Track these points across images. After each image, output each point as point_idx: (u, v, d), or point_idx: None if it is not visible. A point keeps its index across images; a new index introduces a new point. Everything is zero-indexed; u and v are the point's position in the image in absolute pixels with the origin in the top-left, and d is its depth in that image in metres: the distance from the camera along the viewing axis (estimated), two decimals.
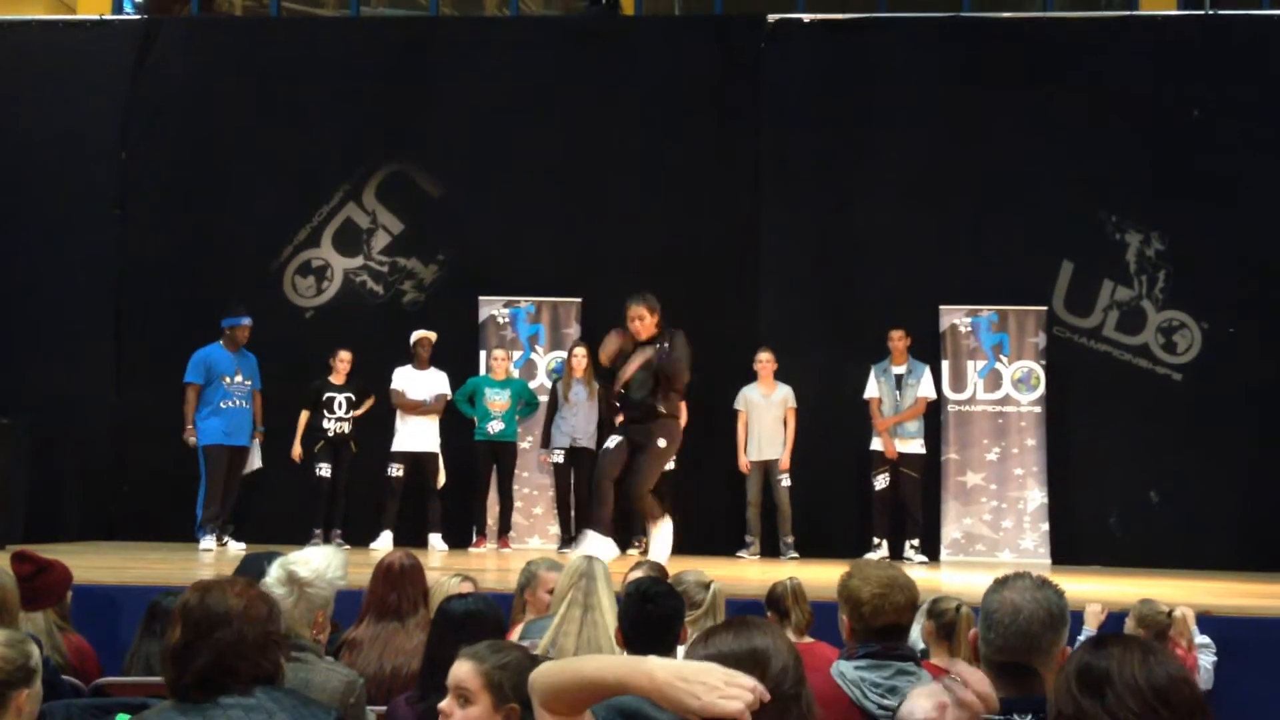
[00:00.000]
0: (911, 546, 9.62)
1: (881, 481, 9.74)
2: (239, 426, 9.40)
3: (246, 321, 9.53)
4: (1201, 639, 5.59)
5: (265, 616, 2.79)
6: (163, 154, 10.85)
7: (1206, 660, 5.57)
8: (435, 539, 9.79)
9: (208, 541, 9.14)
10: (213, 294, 10.37)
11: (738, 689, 1.75)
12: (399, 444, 9.90)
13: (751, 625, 2.02)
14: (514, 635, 4.63)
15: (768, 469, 9.82)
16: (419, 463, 9.89)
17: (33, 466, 9.92)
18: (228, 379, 9.36)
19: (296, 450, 9.83)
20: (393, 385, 9.93)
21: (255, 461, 9.82)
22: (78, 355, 10.58)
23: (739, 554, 9.68)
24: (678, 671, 1.80)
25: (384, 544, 9.43)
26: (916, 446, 9.78)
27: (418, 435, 9.89)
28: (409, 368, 9.99)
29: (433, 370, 10.01)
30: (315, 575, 3.63)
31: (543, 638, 4.12)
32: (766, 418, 9.85)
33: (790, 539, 9.67)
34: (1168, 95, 10.25)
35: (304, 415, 9.87)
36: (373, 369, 10.03)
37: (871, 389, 9.86)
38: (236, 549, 9.02)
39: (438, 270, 10.71)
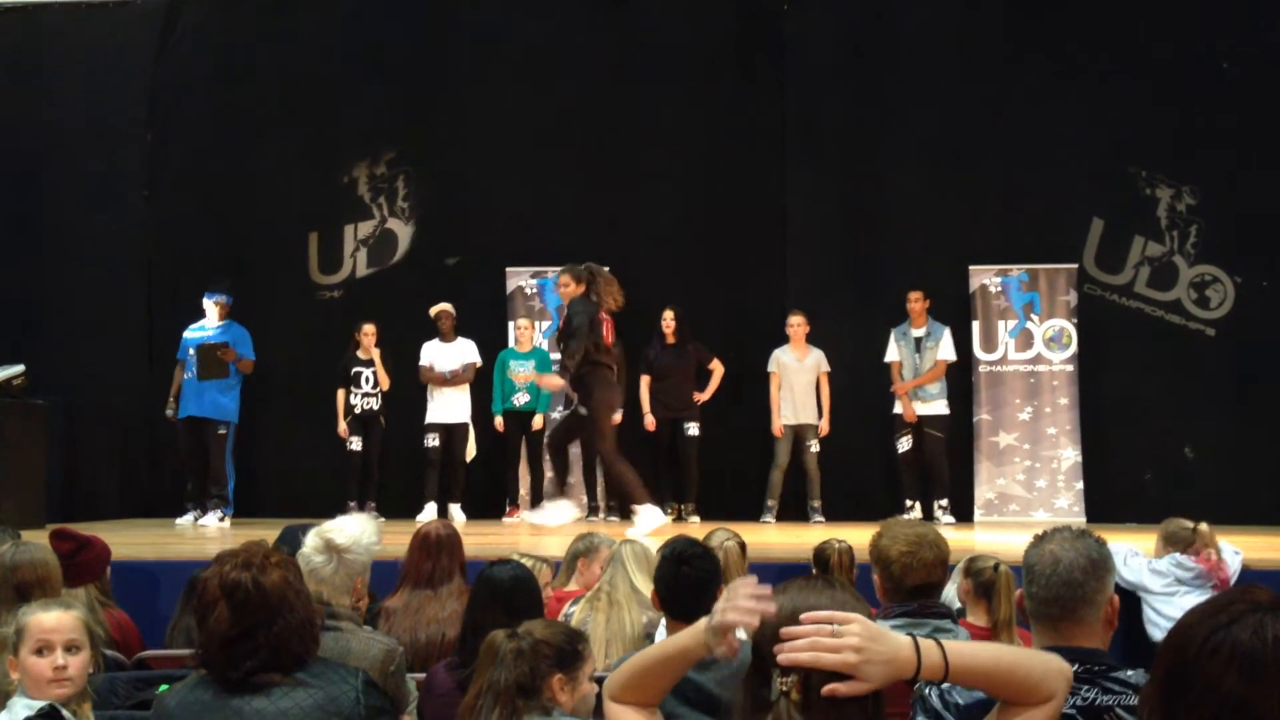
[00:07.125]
0: (940, 507, 9.59)
1: (905, 444, 9.70)
2: (188, 398, 9.44)
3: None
4: (1227, 548, 5.68)
5: (307, 594, 2.68)
6: (188, 134, 10.86)
7: (1235, 564, 5.70)
8: (455, 509, 9.80)
9: (183, 518, 9.40)
10: (240, 271, 10.42)
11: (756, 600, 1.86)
12: (431, 416, 9.91)
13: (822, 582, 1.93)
14: (558, 601, 4.71)
15: (799, 433, 9.79)
16: (451, 433, 9.91)
17: (69, 446, 10.03)
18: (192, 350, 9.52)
19: (342, 428, 9.85)
20: (421, 361, 9.94)
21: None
22: (110, 335, 10.65)
23: (763, 518, 9.65)
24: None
25: (429, 515, 9.44)
26: (939, 408, 9.72)
27: (449, 406, 9.90)
28: (435, 341, 10.00)
29: (460, 340, 10.00)
30: (352, 541, 3.66)
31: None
32: (799, 381, 9.80)
33: (817, 503, 9.65)
34: (1196, 48, 10.10)
35: (341, 394, 9.89)
36: (404, 345, 10.04)
37: (891, 352, 9.81)
38: (206, 521, 9.26)
39: (464, 242, 10.70)
